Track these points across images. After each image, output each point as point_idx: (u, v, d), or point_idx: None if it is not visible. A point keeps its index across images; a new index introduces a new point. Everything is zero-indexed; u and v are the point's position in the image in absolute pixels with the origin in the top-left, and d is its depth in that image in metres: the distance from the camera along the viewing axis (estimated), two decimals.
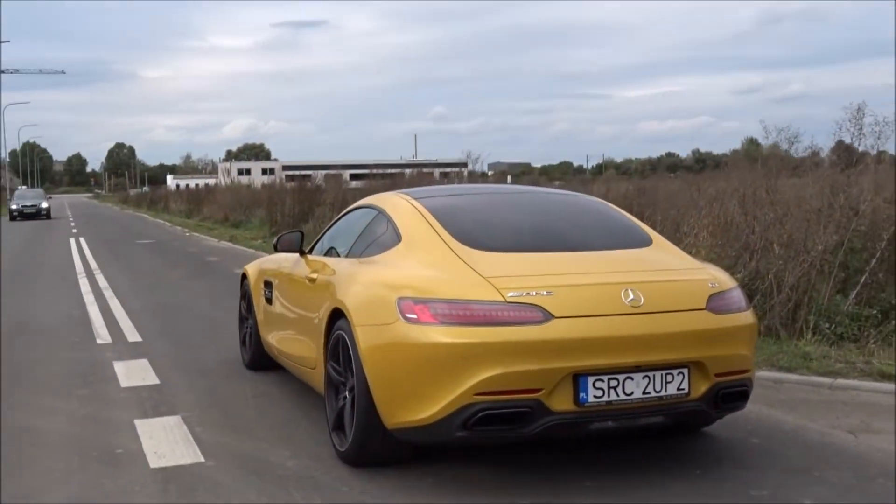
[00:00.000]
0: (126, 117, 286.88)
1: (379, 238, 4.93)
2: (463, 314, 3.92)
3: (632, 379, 3.98)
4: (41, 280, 14.66)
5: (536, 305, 3.91)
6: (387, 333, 4.12)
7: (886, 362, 6.55)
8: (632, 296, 4.02)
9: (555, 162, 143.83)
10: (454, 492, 4.11)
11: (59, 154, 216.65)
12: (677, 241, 9.90)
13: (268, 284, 6.40)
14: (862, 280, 7.67)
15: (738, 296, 4.40)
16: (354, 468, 4.42)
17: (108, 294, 12.15)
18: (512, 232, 4.72)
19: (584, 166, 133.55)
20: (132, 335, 8.67)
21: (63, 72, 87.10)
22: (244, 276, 7.15)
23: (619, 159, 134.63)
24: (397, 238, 4.71)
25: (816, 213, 8.00)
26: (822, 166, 9.93)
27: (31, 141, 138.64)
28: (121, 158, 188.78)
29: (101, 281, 13.90)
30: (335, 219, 6.03)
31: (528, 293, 3.95)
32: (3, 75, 57.29)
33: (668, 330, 4.03)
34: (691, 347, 4.08)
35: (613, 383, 3.95)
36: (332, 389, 4.72)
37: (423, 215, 4.75)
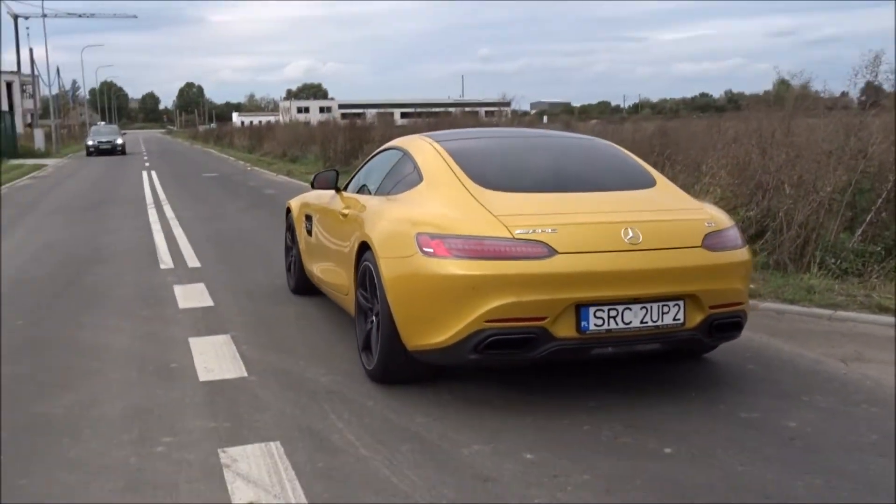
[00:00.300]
0: (195, 58, 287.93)
1: (404, 178, 4.97)
2: (474, 249, 3.97)
3: (630, 309, 4.01)
4: (116, 210, 15.00)
5: (541, 242, 3.95)
6: (407, 265, 4.20)
7: (886, 296, 6.47)
8: (631, 234, 4.03)
9: (593, 101, 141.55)
10: (466, 408, 4.22)
11: (134, 92, 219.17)
12: (697, 180, 9.80)
13: (308, 218, 6.50)
14: (868, 219, 7.53)
15: (733, 234, 4.37)
16: (380, 385, 4.55)
17: (174, 223, 12.41)
18: (523, 173, 4.73)
19: (622, 106, 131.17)
20: (192, 261, 8.90)
21: (135, 16, 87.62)
22: (288, 210, 7.26)
23: (654, 99, 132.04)
24: (419, 178, 4.75)
25: (827, 155, 7.82)
26: (836, 109, 9.66)
27: (109, 80, 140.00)
28: (190, 97, 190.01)
29: (168, 211, 14.19)
30: (367, 158, 6.08)
31: (534, 230, 3.98)
32: (79, 19, 57.34)
33: (665, 265, 4.04)
34: (686, 282, 4.09)
35: (613, 313, 3.99)
36: (360, 314, 4.83)
37: (443, 157, 4.77)
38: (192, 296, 7.05)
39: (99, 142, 42.02)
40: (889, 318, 5.90)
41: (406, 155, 5.14)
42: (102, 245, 10.39)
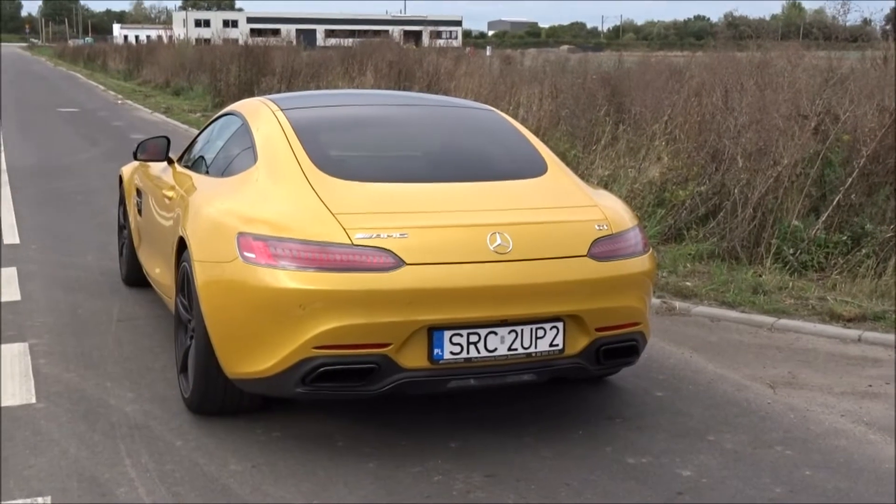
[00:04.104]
0: None
1: (238, 155, 4.90)
2: (302, 256, 3.92)
3: (495, 334, 4.02)
4: None
5: (386, 250, 3.92)
6: (224, 272, 4.15)
7: (843, 298, 6.64)
8: (499, 240, 4.02)
9: (565, 22, 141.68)
10: (297, 449, 4.21)
11: None
12: (651, 139, 9.86)
13: (139, 192, 6.39)
14: (835, 200, 7.67)
15: (633, 238, 4.40)
16: (199, 417, 4.51)
17: (2, 179, 12.12)
18: (381, 157, 4.71)
19: (599, 28, 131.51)
20: (10, 236, 8.71)
21: None
22: (121, 180, 7.12)
23: (639, 21, 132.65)
24: (254, 158, 4.67)
25: (786, 118, 7.92)
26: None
27: None
28: (61, 2, 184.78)
29: (1, 161, 13.82)
30: (207, 123, 5.98)
31: (378, 235, 3.95)
32: None
33: (539, 280, 4.05)
34: (566, 300, 4.11)
35: (474, 338, 4.00)
36: (180, 327, 4.77)
37: (283, 131, 4.70)
38: None
39: None
40: (839, 330, 6.05)
41: (244, 125, 5.05)
42: None
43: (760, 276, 7.22)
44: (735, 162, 8.23)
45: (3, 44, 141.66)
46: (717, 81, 10.42)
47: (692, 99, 10.29)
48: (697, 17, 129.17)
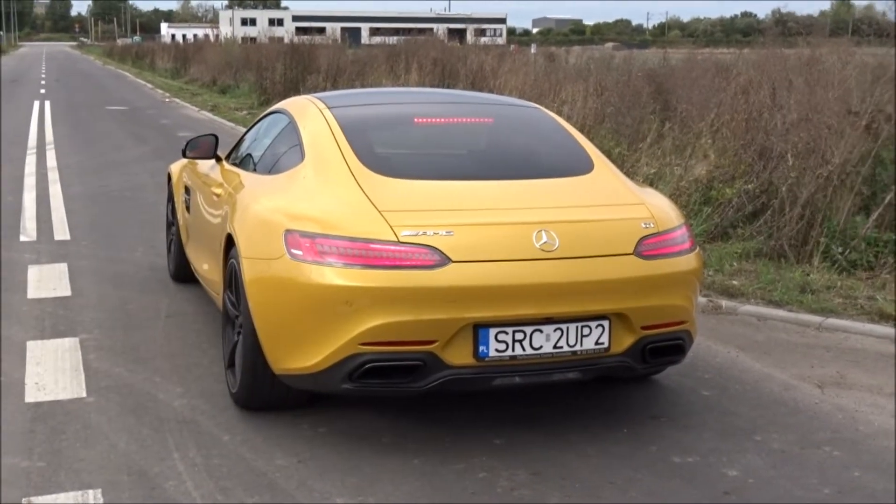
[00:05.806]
0: None
1: (286, 153, 4.95)
2: (349, 253, 3.95)
3: (541, 331, 4.02)
4: None
5: (432, 247, 3.94)
6: (272, 269, 4.19)
7: (892, 299, 6.54)
8: (545, 238, 4.03)
9: (610, 19, 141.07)
10: (343, 445, 4.24)
11: None
12: (692, 140, 9.77)
13: (188, 189, 6.46)
14: (887, 199, 7.56)
15: (679, 237, 4.38)
16: (246, 412, 4.56)
17: (53, 176, 12.32)
18: (427, 154, 4.72)
19: (644, 26, 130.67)
20: (61, 231, 8.85)
21: None
22: (170, 177, 7.21)
23: (685, 18, 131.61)
24: (301, 156, 4.71)
25: (838, 116, 7.82)
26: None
27: None
28: (109, 1, 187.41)
29: (51, 160, 14.05)
30: (255, 121, 6.04)
31: (424, 232, 3.97)
32: None
33: (585, 278, 4.05)
34: (612, 298, 4.10)
35: (519, 336, 4.01)
36: (228, 323, 4.83)
37: (331, 129, 4.73)
38: (47, 281, 7.03)
39: None
40: (888, 330, 5.97)
41: (291, 123, 5.10)
42: None
43: (808, 274, 7.14)
44: (783, 160, 8.14)
45: (53, 43, 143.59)
46: (765, 79, 10.32)
47: (739, 96, 10.19)
48: (744, 14, 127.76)
